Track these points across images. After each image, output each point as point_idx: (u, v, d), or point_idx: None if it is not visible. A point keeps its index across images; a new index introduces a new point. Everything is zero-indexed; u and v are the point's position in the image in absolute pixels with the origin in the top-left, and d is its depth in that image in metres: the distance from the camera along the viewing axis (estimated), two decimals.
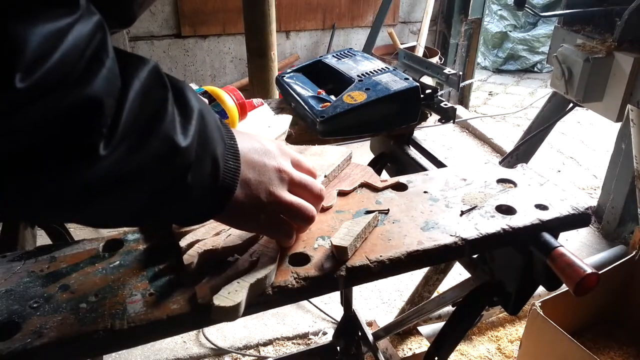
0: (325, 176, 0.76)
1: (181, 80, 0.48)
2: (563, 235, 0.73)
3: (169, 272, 0.59)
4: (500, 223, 0.68)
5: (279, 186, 0.55)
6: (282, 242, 0.61)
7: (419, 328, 1.73)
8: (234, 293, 0.53)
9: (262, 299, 0.56)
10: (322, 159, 0.81)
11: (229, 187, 0.50)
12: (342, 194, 0.76)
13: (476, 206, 0.72)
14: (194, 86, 0.88)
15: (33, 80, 0.33)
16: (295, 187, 0.58)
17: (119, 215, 0.47)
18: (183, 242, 0.61)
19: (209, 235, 0.63)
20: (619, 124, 2.17)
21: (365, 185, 0.78)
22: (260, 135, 0.60)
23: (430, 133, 3.40)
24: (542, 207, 0.71)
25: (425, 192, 0.76)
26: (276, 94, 2.21)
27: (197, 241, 0.61)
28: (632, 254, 1.67)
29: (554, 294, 1.52)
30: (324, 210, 0.71)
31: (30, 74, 0.33)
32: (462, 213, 0.70)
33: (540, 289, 0.78)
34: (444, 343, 0.89)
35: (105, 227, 0.49)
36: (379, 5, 3.25)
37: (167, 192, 0.46)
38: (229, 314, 0.52)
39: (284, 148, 0.59)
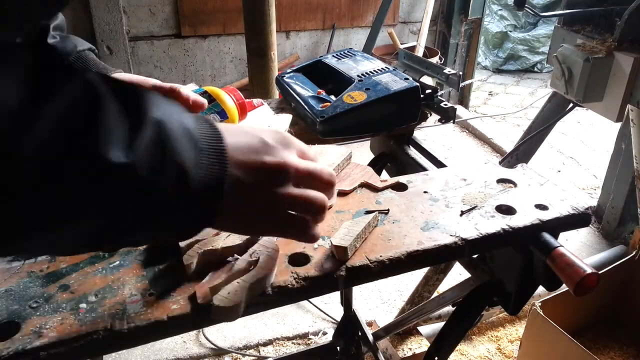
0: None
1: (145, 90, 0.44)
2: (563, 235, 0.73)
3: (169, 272, 0.59)
4: (500, 223, 0.68)
5: (283, 182, 0.51)
6: (304, 239, 0.56)
7: (419, 328, 1.73)
8: (234, 293, 0.53)
9: (262, 299, 0.56)
10: (322, 159, 0.81)
11: (212, 194, 0.46)
12: (342, 193, 0.76)
13: (476, 206, 0.72)
14: (193, 86, 0.88)
15: None
16: (303, 178, 0.54)
17: (77, 241, 0.43)
18: (183, 243, 0.61)
19: (208, 235, 0.63)
20: (619, 124, 2.17)
21: (365, 185, 0.78)
22: (263, 127, 0.58)
23: (430, 133, 3.40)
24: (542, 207, 0.71)
25: (425, 192, 0.76)
26: (276, 94, 2.21)
27: (197, 241, 0.61)
28: (632, 254, 1.67)
29: (554, 294, 1.52)
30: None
31: None
32: (462, 213, 0.70)
33: (540, 289, 0.78)
34: (444, 343, 0.89)
35: (69, 255, 0.46)
36: (379, 5, 3.25)
37: (128, 211, 0.42)
38: (229, 314, 0.52)
39: (288, 138, 0.55)
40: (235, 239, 0.62)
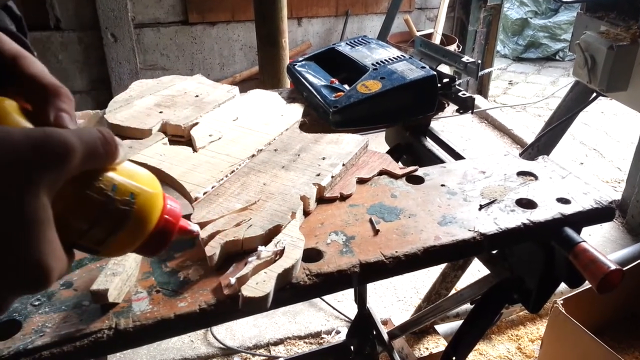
0: (343, 164, 0.76)
1: None
2: (586, 230, 0.72)
3: (176, 269, 0.58)
4: (520, 217, 0.67)
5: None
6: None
7: (436, 327, 1.72)
8: (262, 283, 0.53)
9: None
10: (338, 147, 0.81)
11: None
12: (361, 181, 0.75)
13: (495, 200, 0.71)
14: (200, 77, 0.85)
15: None
16: None
17: None
18: (204, 234, 0.60)
19: (229, 226, 0.61)
20: None
21: (384, 172, 0.77)
22: None
23: (448, 124, 3.36)
24: (564, 200, 0.70)
25: (442, 185, 0.75)
26: (287, 83, 2.19)
27: (218, 232, 0.60)
28: None
29: (577, 291, 1.49)
30: (341, 199, 0.70)
31: None
32: (481, 207, 0.69)
33: (562, 286, 0.77)
34: (462, 342, 0.89)
35: None
36: None
37: None
38: (259, 304, 0.52)
39: None
40: (257, 230, 0.61)
